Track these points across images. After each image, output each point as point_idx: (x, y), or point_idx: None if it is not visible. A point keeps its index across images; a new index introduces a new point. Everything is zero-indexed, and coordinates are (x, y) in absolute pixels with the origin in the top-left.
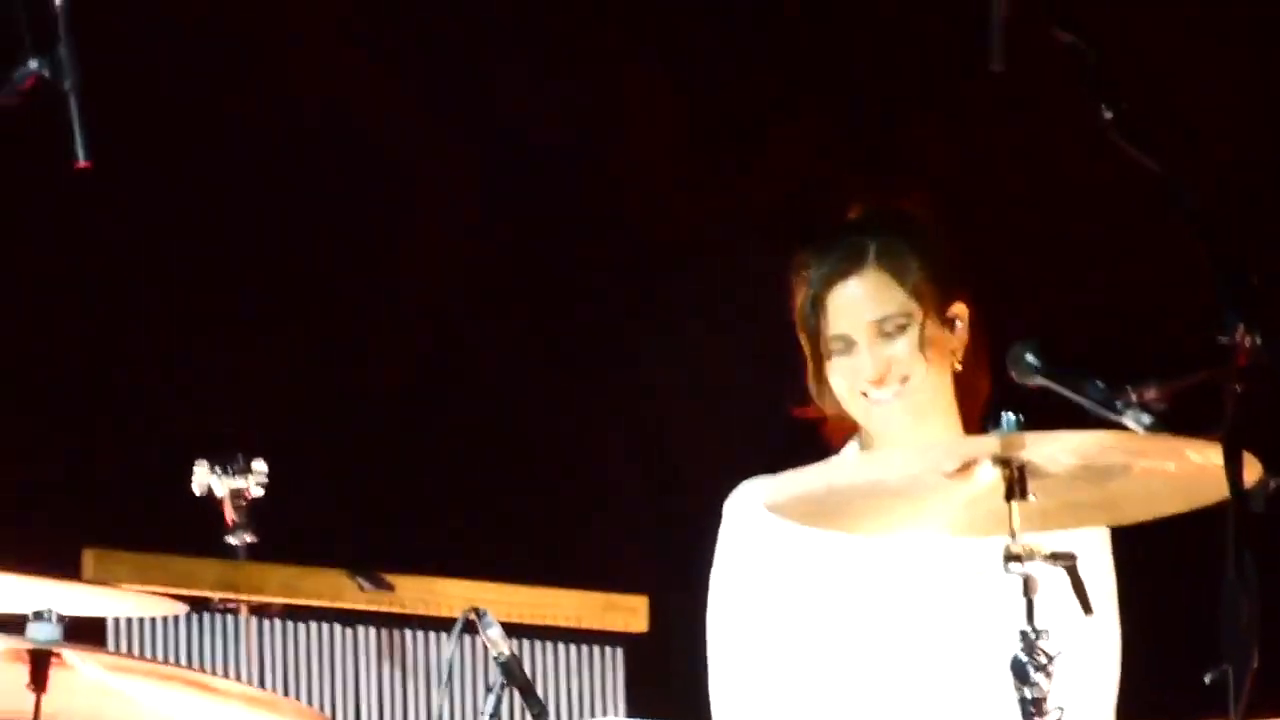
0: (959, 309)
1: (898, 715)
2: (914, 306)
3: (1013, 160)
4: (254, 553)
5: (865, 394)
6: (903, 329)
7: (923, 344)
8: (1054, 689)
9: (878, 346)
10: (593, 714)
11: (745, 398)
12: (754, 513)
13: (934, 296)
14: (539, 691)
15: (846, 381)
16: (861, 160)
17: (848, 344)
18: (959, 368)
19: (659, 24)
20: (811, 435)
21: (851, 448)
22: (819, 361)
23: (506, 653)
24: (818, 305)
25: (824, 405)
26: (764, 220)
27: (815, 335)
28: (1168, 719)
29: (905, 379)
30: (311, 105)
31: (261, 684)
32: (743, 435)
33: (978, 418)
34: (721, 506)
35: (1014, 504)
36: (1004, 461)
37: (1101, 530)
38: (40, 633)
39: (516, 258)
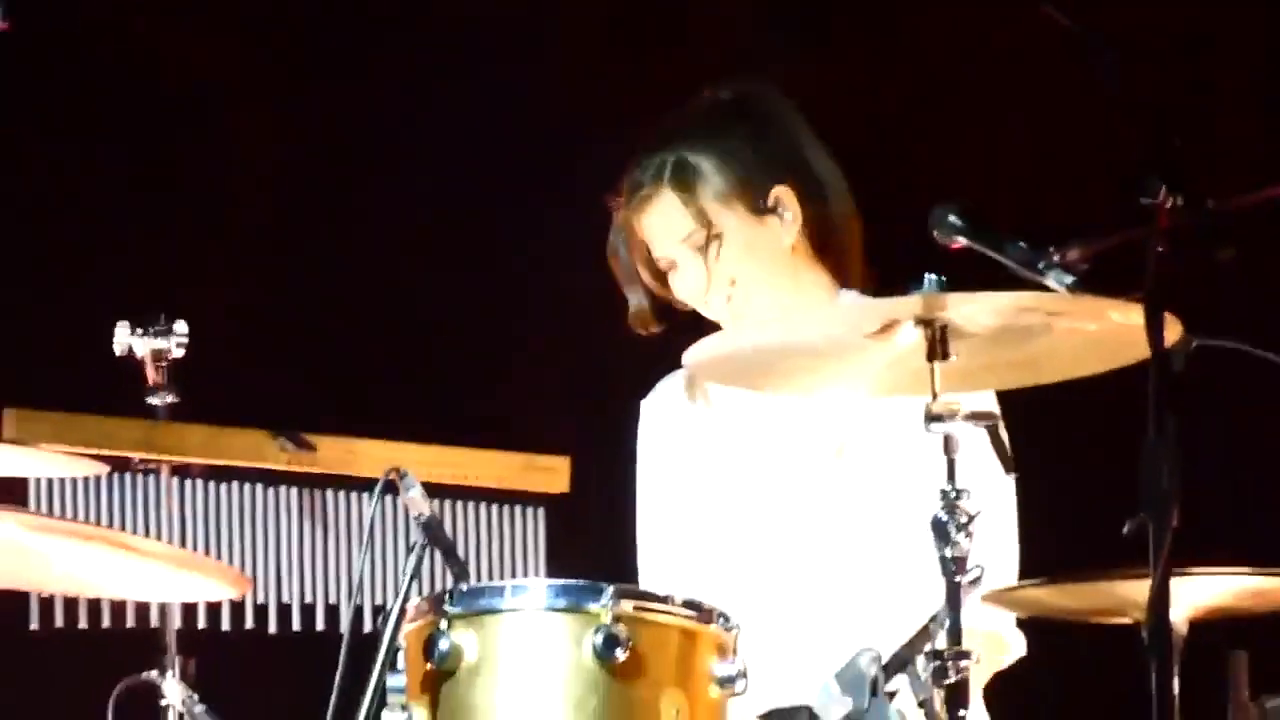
0: (779, 194)
1: (820, 583)
2: (717, 217)
3: (935, 23)
4: (175, 413)
5: (706, 304)
6: (717, 238)
7: (738, 248)
8: (974, 548)
9: (695, 261)
10: (514, 573)
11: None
12: (670, 403)
13: (741, 198)
14: (460, 551)
15: (687, 296)
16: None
17: (670, 264)
18: (804, 239)
19: None
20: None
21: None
22: (630, 284)
23: (427, 513)
24: (630, 239)
25: (643, 327)
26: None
27: (626, 262)
28: (1094, 569)
29: (733, 282)
30: None
31: (183, 544)
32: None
33: (859, 269)
34: (636, 369)
35: (936, 364)
36: (926, 322)
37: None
38: None
39: (442, 126)
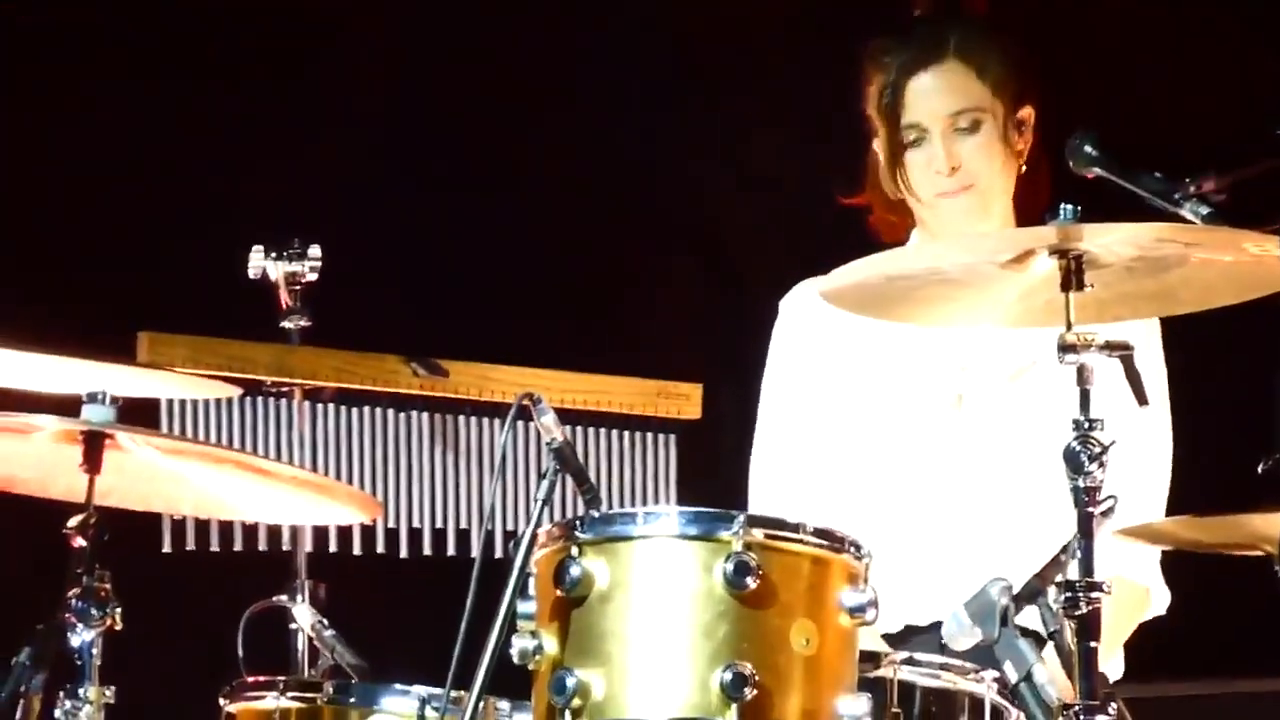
0: (1027, 112)
1: (950, 511)
2: (991, 102)
3: None
4: (307, 337)
5: (935, 188)
6: (977, 125)
7: (995, 143)
8: (1107, 478)
9: (950, 140)
10: (644, 499)
11: (796, 191)
12: (808, 310)
13: (1009, 95)
14: (592, 477)
15: (919, 172)
16: None
17: (921, 134)
18: (1024, 169)
19: None
20: (860, 232)
21: (914, 240)
22: (896, 147)
23: (560, 438)
24: (896, 93)
25: (892, 191)
26: (811, 15)
27: (894, 121)
28: (1226, 510)
29: (974, 179)
30: None
31: (315, 468)
32: (793, 231)
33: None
34: (772, 300)
35: (1070, 294)
36: (1061, 252)
37: (1153, 322)
38: (94, 414)
39: (568, 60)
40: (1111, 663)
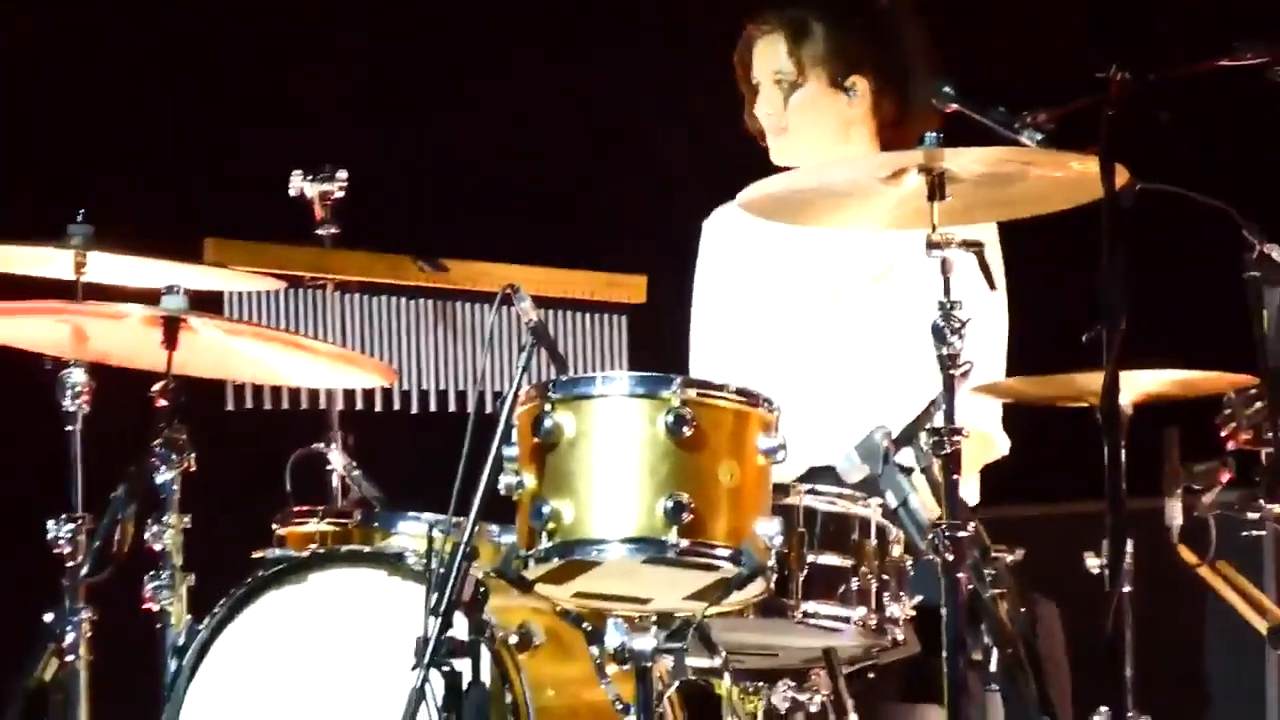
0: (856, 81)
1: (844, 375)
2: (802, 70)
3: None
4: (337, 241)
5: (764, 129)
6: (793, 86)
7: (804, 103)
8: (964, 348)
9: (771, 92)
10: (601, 367)
11: (722, 124)
12: (723, 229)
13: (827, 67)
14: (561, 350)
15: (760, 117)
16: None
17: (754, 88)
18: (869, 123)
19: None
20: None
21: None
22: (748, 95)
23: (535, 319)
24: (745, 51)
25: (752, 129)
26: None
27: (744, 74)
28: (1059, 370)
29: (787, 128)
30: None
31: (344, 344)
32: (719, 154)
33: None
34: (701, 210)
35: (935, 203)
36: (927, 170)
37: (990, 225)
38: (171, 303)
39: (546, 4)
40: (966, 490)
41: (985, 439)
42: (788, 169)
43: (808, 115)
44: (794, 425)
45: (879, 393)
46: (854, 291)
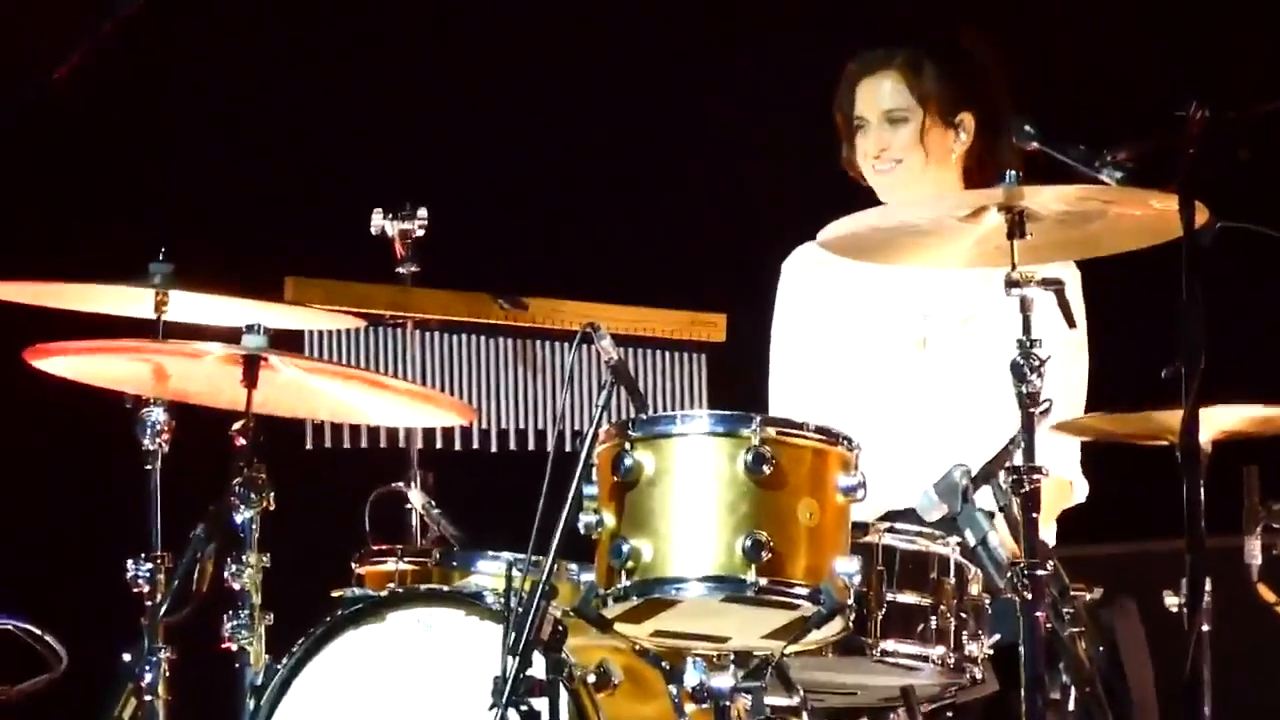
0: (964, 118)
1: (924, 413)
2: (916, 107)
3: None
4: (417, 280)
5: (872, 166)
6: (905, 121)
7: (919, 137)
8: (1044, 386)
9: (883, 130)
10: (681, 405)
11: (808, 159)
12: (804, 269)
13: (939, 103)
14: (640, 388)
15: (861, 153)
16: None
17: (863, 123)
18: (963, 162)
19: None
20: (849, 193)
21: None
22: (847, 135)
23: (615, 358)
24: (848, 92)
25: (850, 168)
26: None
27: (845, 115)
28: (1137, 407)
29: (899, 161)
30: None
31: (423, 382)
32: (805, 191)
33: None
34: (781, 249)
35: (1014, 241)
36: (1007, 208)
37: (1070, 264)
38: (251, 341)
39: (627, 46)
40: (1043, 535)
41: (1063, 485)
42: (876, 204)
43: (917, 153)
44: (876, 469)
45: (964, 437)
46: (941, 336)
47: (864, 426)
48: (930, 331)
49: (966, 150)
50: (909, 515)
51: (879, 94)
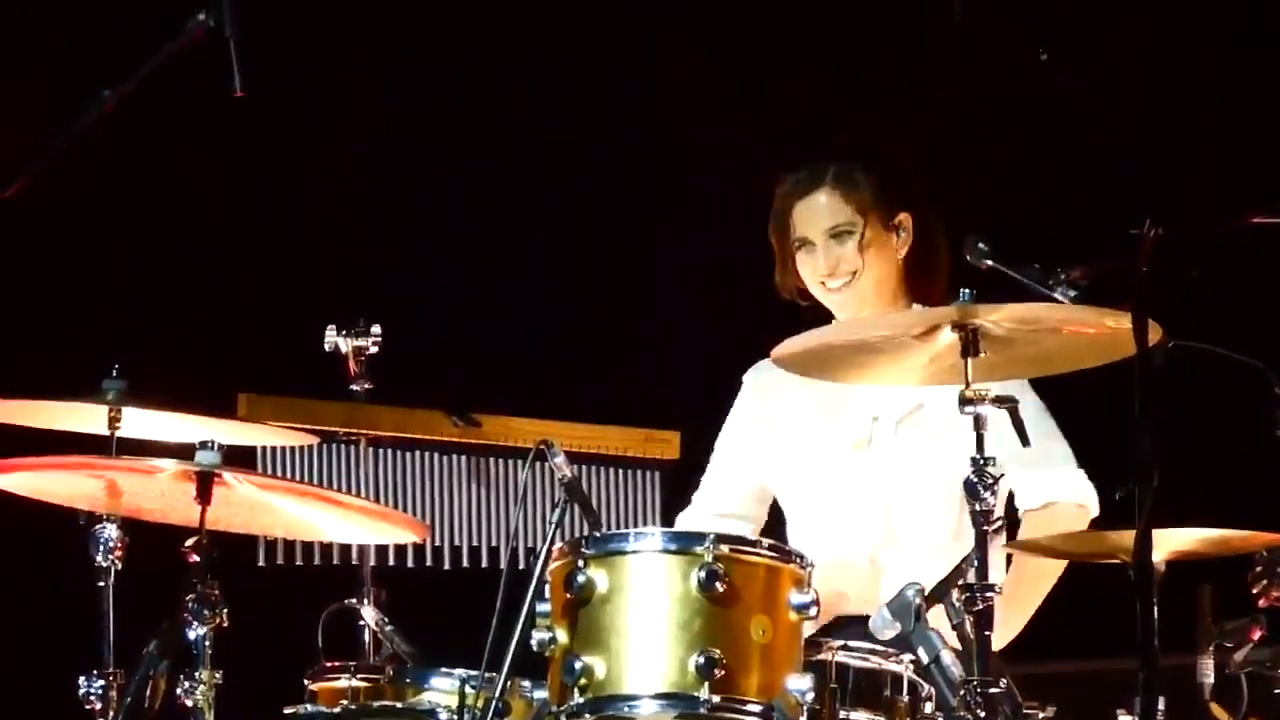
0: (903, 219)
1: (879, 531)
2: (858, 218)
3: (974, 99)
4: (371, 396)
5: (823, 284)
6: (850, 234)
7: (863, 247)
8: (998, 503)
9: (830, 247)
10: (635, 523)
11: (758, 281)
12: (763, 380)
13: (877, 210)
14: (594, 506)
15: (809, 273)
16: (851, 99)
17: (807, 244)
18: (903, 262)
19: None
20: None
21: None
22: (782, 258)
23: (569, 475)
24: (784, 215)
25: (784, 292)
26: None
27: (781, 237)
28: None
29: (854, 274)
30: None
31: (377, 499)
32: (761, 310)
33: (941, 296)
34: (734, 369)
35: (968, 359)
36: (961, 326)
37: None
38: (205, 458)
39: (581, 165)
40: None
41: (1081, 514)
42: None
43: (871, 262)
44: (823, 572)
45: (908, 534)
46: (884, 435)
47: (814, 535)
48: (875, 432)
49: (909, 249)
50: (859, 624)
51: (819, 212)
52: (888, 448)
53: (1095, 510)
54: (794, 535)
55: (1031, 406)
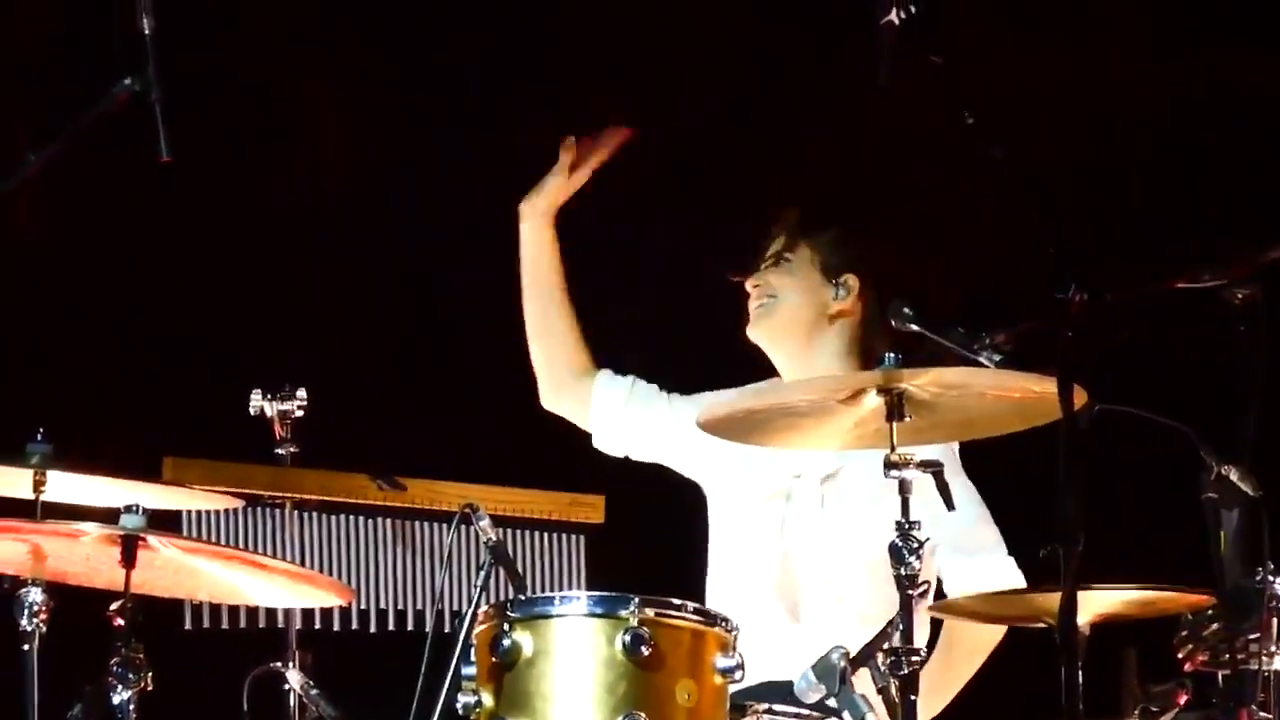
0: (850, 279)
1: (802, 595)
2: (800, 252)
3: (898, 163)
4: (296, 460)
5: (748, 306)
6: (787, 262)
7: (796, 281)
8: (924, 567)
9: (765, 272)
10: (560, 586)
11: (686, 345)
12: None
13: (827, 258)
14: (519, 569)
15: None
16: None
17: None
18: (850, 331)
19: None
20: (734, 362)
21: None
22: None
23: (494, 538)
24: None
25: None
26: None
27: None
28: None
29: (773, 297)
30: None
31: (302, 562)
32: (689, 372)
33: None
34: None
35: (894, 424)
36: (886, 390)
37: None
38: (130, 522)
39: (503, 228)
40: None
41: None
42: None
43: (793, 294)
44: (746, 631)
45: (837, 611)
46: (805, 493)
47: (742, 585)
48: (795, 488)
49: (853, 316)
50: (783, 687)
51: (773, 242)
52: (807, 502)
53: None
54: (713, 581)
55: (963, 489)
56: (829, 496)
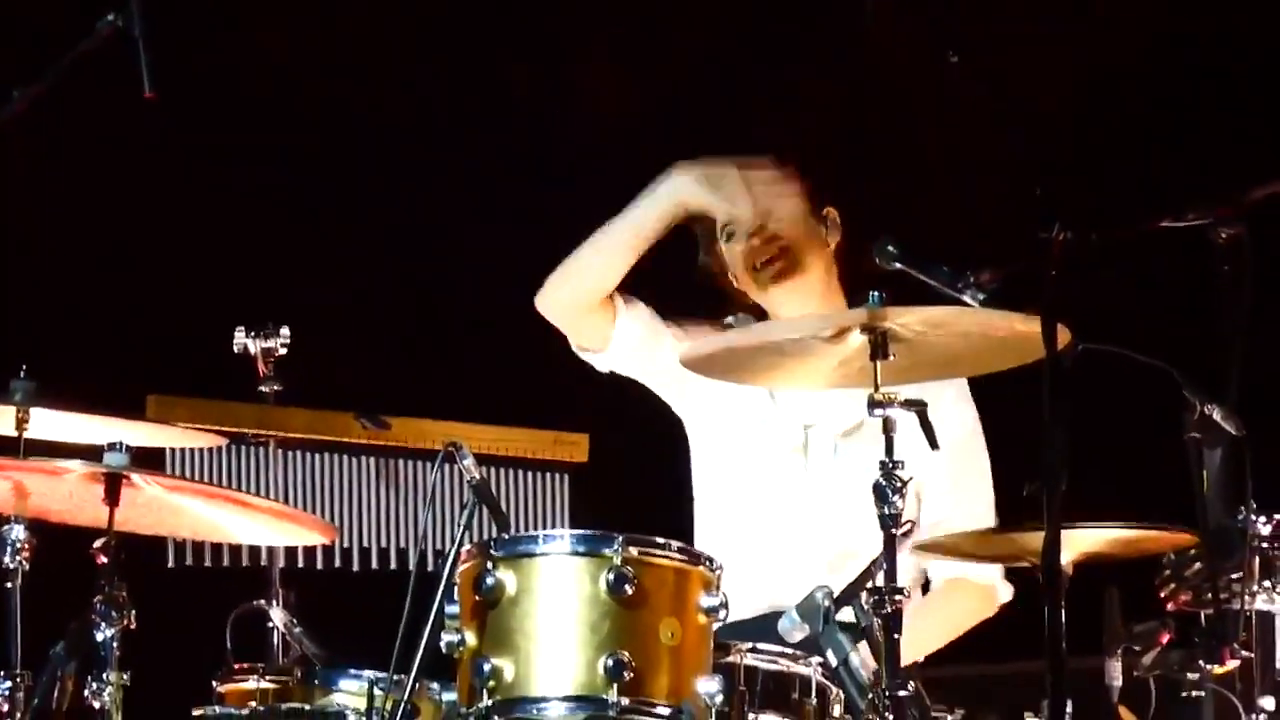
0: (831, 211)
1: (788, 534)
2: (794, 183)
3: (884, 102)
4: (280, 399)
5: (754, 268)
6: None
7: (797, 222)
8: (906, 506)
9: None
10: (543, 525)
11: (668, 280)
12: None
13: (808, 193)
14: (503, 508)
15: (741, 254)
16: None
17: (732, 227)
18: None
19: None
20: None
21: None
22: (707, 244)
23: (478, 477)
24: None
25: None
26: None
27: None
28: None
29: (785, 249)
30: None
31: (286, 500)
32: (675, 310)
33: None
34: None
35: (878, 362)
36: (870, 329)
37: (960, 380)
38: (114, 459)
39: (484, 168)
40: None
41: (986, 591)
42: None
43: (802, 237)
44: (757, 572)
45: (834, 549)
46: (822, 448)
47: (744, 530)
48: (811, 441)
49: (835, 250)
50: (772, 635)
51: (748, 196)
52: (823, 457)
53: (1005, 597)
54: (719, 533)
55: (979, 480)
56: (847, 448)
